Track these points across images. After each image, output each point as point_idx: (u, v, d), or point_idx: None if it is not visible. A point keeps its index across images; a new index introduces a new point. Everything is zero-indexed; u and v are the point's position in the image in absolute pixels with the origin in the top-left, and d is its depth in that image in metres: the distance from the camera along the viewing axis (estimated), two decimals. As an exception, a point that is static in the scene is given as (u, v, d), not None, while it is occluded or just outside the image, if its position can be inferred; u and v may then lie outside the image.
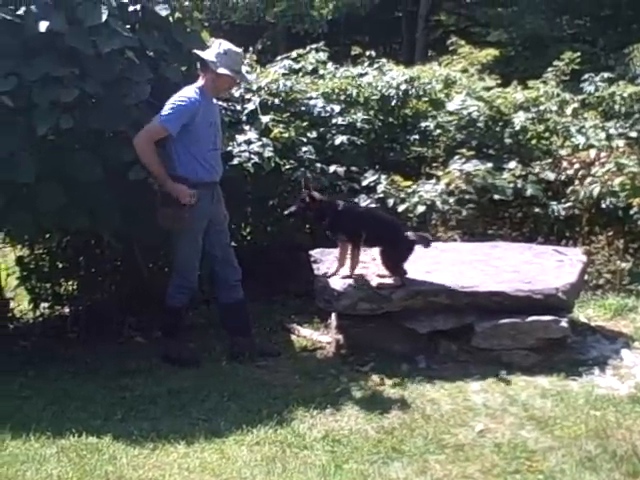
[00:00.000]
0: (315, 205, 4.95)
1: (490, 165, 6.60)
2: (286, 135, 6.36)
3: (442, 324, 4.93)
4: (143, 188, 4.99)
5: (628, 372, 4.71)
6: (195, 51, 4.97)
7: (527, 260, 5.42)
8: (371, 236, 5.00)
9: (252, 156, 5.92)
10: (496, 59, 9.57)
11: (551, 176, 6.83)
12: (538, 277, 5.03)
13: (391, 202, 6.32)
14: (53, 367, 5.08)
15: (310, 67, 7.80)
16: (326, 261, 5.33)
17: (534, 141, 7.24)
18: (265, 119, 6.37)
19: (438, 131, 7.32)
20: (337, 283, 5.01)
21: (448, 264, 5.28)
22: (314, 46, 8.14)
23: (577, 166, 6.82)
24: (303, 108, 6.91)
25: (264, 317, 5.84)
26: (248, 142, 6.04)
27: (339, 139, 6.73)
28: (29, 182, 4.58)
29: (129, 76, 4.84)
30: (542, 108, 7.47)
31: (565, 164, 6.92)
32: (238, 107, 6.52)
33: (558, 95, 7.82)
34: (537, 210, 6.71)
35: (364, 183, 6.53)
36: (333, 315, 5.39)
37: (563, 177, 6.86)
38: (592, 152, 6.85)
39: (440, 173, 6.67)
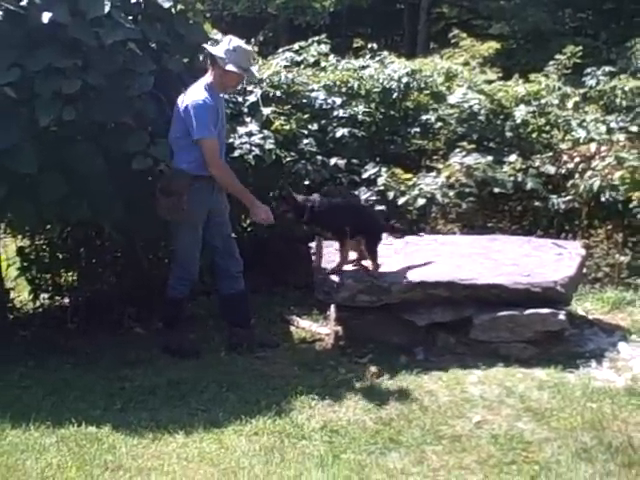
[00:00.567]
0: (291, 204, 5.02)
1: (490, 158, 6.60)
2: (287, 127, 6.38)
3: (440, 316, 4.94)
4: (144, 179, 5.01)
5: (625, 365, 4.72)
6: (204, 46, 4.99)
7: (526, 253, 5.43)
8: (353, 228, 5.04)
9: (253, 148, 5.93)
10: (498, 52, 9.54)
11: (551, 170, 6.83)
12: (537, 270, 5.03)
13: (391, 195, 6.34)
14: (53, 357, 5.11)
15: (312, 59, 7.80)
16: (325, 254, 5.34)
17: (535, 134, 7.24)
18: (266, 111, 6.37)
19: (439, 124, 7.32)
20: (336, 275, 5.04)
21: (447, 257, 5.30)
22: (316, 38, 8.13)
23: (577, 160, 6.82)
24: (304, 100, 6.92)
25: (263, 308, 5.86)
26: (249, 134, 6.05)
27: (340, 131, 6.74)
28: (31, 172, 4.59)
29: (132, 67, 4.85)
30: (543, 102, 7.46)
31: (565, 158, 6.92)
32: (239, 99, 6.52)
33: (559, 89, 7.81)
34: (537, 203, 6.71)
35: (364, 176, 6.55)
36: (332, 307, 5.42)
37: (563, 171, 6.85)
38: (592, 146, 6.85)
39: (440, 166, 6.68)
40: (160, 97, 4.99)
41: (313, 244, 5.50)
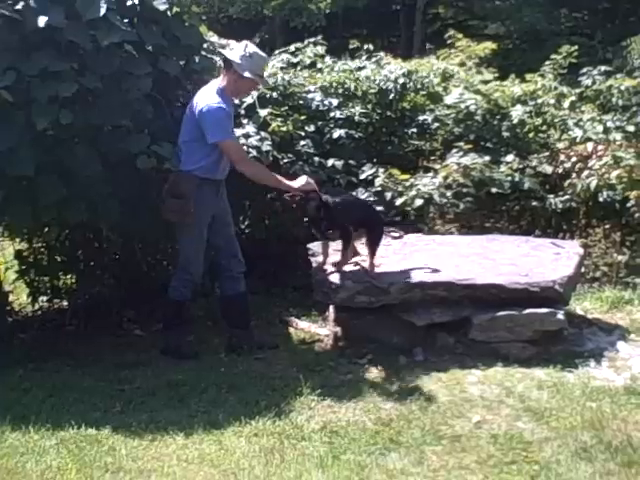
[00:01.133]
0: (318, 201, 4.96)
1: (488, 158, 6.62)
2: (284, 129, 6.37)
3: (439, 317, 4.94)
4: (142, 182, 5.01)
5: (624, 364, 4.73)
6: (221, 51, 4.99)
7: (524, 253, 5.44)
8: (359, 223, 5.06)
9: (250, 150, 5.91)
10: (494, 52, 9.56)
11: (548, 169, 6.85)
12: (535, 270, 5.04)
13: (389, 195, 6.34)
14: (52, 360, 5.10)
15: (308, 61, 7.79)
16: (324, 254, 5.34)
17: (531, 134, 7.25)
18: (263, 113, 6.36)
19: (436, 124, 7.33)
20: (335, 276, 5.04)
21: (446, 257, 5.30)
22: (312, 40, 8.12)
23: (574, 159, 6.84)
24: (301, 102, 6.92)
25: (262, 310, 5.86)
26: (246, 136, 6.04)
27: (337, 133, 6.75)
28: (28, 175, 4.59)
29: (128, 70, 4.85)
30: (540, 101, 7.48)
31: (562, 157, 6.94)
32: (236, 101, 6.52)
33: (556, 88, 7.83)
34: (534, 203, 6.72)
35: (362, 176, 6.55)
36: (331, 308, 5.43)
37: (560, 170, 6.88)
38: (589, 145, 6.87)
39: (438, 166, 6.69)
40: (158, 99, 5.00)
41: (311, 245, 5.51)
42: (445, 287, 4.91)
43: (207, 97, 4.80)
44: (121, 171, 4.87)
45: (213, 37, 6.32)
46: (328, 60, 7.88)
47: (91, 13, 4.64)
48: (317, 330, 5.53)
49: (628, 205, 6.41)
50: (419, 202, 6.30)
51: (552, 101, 7.56)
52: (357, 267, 5.14)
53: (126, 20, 4.90)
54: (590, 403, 4.14)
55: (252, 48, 4.86)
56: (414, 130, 7.33)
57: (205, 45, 5.65)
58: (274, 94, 6.72)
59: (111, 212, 4.94)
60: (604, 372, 4.63)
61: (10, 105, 4.49)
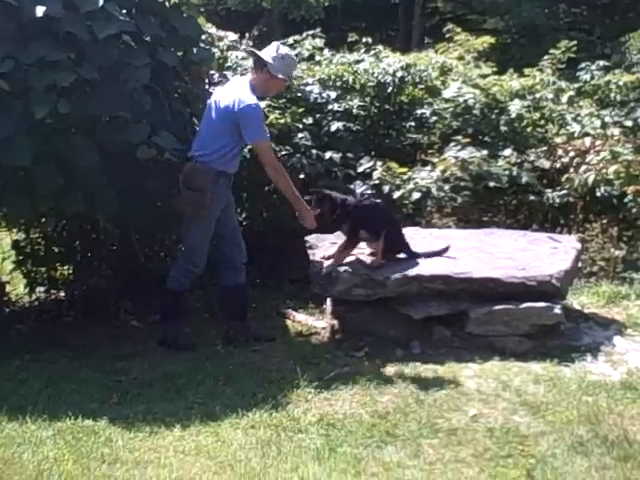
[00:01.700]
0: (327, 204, 5.05)
1: (485, 152, 6.63)
2: (282, 121, 6.37)
3: (436, 310, 4.95)
4: (140, 173, 5.00)
5: (620, 359, 4.74)
6: (254, 50, 5.08)
7: (521, 247, 5.44)
8: (378, 228, 5.07)
9: (248, 142, 5.92)
10: (492, 47, 9.57)
11: (546, 164, 6.86)
12: (532, 264, 5.05)
13: (387, 189, 6.34)
14: (49, 351, 5.10)
15: (306, 53, 7.79)
16: (321, 247, 5.35)
17: (529, 129, 7.26)
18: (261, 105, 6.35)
19: (434, 118, 7.33)
20: (332, 269, 5.04)
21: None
22: (310, 32, 8.12)
23: (572, 154, 6.85)
24: (299, 94, 6.91)
25: (259, 302, 5.87)
26: (244, 128, 6.02)
27: (335, 125, 6.75)
28: (25, 165, 4.57)
29: (127, 61, 4.83)
30: (538, 96, 7.49)
31: (560, 152, 6.94)
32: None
33: (554, 83, 7.84)
34: (532, 198, 6.73)
35: (360, 169, 6.55)
36: (328, 300, 5.43)
37: (558, 165, 6.88)
38: (587, 140, 6.88)
39: (436, 160, 6.69)
40: (156, 90, 4.98)
41: (309, 238, 5.50)
42: (442, 280, 4.92)
43: (244, 95, 4.84)
44: (118, 162, 4.85)
45: (211, 29, 6.32)
46: (326, 53, 7.88)
47: (89, 4, 4.62)
48: (314, 323, 5.54)
49: (625, 200, 6.42)
50: (416, 195, 6.30)
51: (550, 96, 7.57)
52: (354, 258, 5.14)
53: (124, 11, 4.88)
54: (586, 397, 4.15)
55: (284, 50, 5.02)
56: (412, 123, 7.33)
57: (203, 36, 5.64)
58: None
59: (108, 203, 4.93)
60: (600, 367, 4.64)
61: (7, 94, 4.46)
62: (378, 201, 5.40)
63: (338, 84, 7.26)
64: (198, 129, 5.10)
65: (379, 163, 6.52)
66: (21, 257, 5.89)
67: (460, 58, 8.67)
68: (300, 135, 6.49)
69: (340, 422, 3.95)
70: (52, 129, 4.78)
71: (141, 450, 3.68)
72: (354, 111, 6.99)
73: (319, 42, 7.96)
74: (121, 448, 3.69)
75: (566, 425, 3.84)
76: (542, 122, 7.36)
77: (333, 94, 7.00)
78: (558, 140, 7.09)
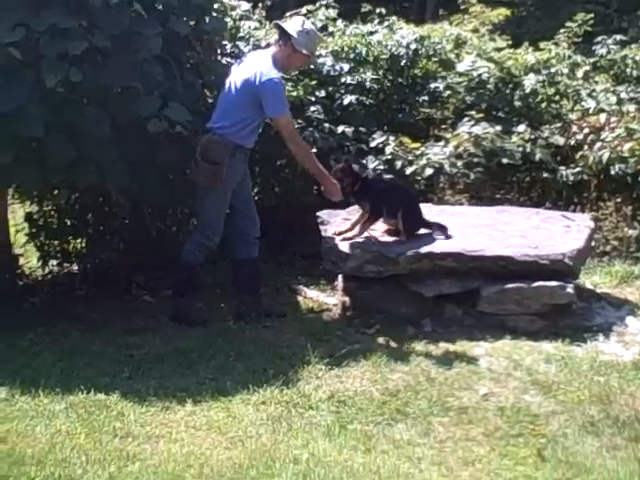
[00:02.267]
0: (348, 174, 5.04)
1: (499, 128, 6.54)
2: (294, 94, 6.32)
3: (448, 288, 4.94)
4: (151, 145, 4.97)
5: (632, 339, 4.74)
6: (279, 23, 5.05)
7: (534, 225, 5.41)
8: (392, 209, 5.07)
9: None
10: (507, 19, 9.45)
11: (560, 141, 6.77)
12: (545, 242, 5.02)
13: (399, 164, 6.29)
14: (61, 324, 5.13)
15: (319, 24, 7.68)
16: (333, 222, 5.34)
17: (544, 104, 7.16)
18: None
19: (447, 92, 7.24)
20: (344, 245, 5.03)
21: (455, 228, 5.26)
22: (324, 2, 8.02)
23: (587, 131, 6.76)
24: (312, 66, 6.84)
25: (271, 278, 5.86)
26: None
27: (348, 99, 6.68)
28: (37, 136, 4.55)
29: (138, 30, 4.78)
30: (553, 71, 7.36)
31: (575, 128, 6.86)
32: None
33: (569, 57, 7.72)
34: (545, 175, 6.66)
35: (372, 144, 6.49)
36: (340, 277, 5.42)
37: (572, 142, 6.79)
38: (602, 117, 6.79)
39: (449, 135, 6.62)
40: (168, 60, 4.93)
41: (321, 213, 5.49)
42: (454, 258, 4.90)
43: (266, 68, 4.81)
44: (129, 133, 4.82)
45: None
46: (340, 24, 7.77)
47: (100, -30, 4.56)
48: (325, 299, 5.54)
49: (640, 179, 6.35)
50: (429, 171, 6.25)
51: (566, 70, 7.45)
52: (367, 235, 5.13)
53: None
54: (598, 377, 4.15)
55: (309, 25, 4.99)
56: (425, 98, 7.24)
57: (216, 5, 5.58)
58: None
59: (119, 175, 4.90)
60: (612, 347, 4.63)
61: (19, 63, 4.43)
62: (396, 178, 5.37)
63: (351, 56, 7.16)
64: (218, 101, 5.05)
65: (392, 138, 6.45)
66: (34, 230, 5.89)
67: (475, 31, 8.57)
68: (313, 108, 6.44)
69: (351, 399, 3.97)
70: (64, 99, 4.73)
71: (153, 424, 3.71)
72: (367, 84, 6.91)
73: (332, 12, 7.85)
74: (133, 422, 3.72)
75: (577, 405, 3.86)
76: (557, 98, 7.26)
77: (346, 66, 6.91)
78: (573, 116, 7.01)
